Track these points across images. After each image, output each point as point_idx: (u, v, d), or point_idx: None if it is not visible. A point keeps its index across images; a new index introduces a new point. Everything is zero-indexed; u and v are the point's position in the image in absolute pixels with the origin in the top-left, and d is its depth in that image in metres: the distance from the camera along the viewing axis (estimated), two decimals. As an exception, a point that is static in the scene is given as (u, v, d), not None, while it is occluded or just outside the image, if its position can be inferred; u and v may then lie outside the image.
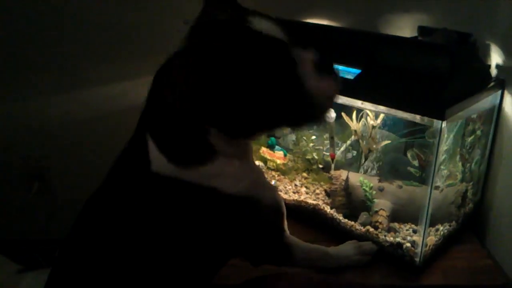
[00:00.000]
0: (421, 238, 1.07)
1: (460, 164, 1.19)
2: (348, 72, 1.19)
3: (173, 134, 0.75)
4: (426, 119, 1.00)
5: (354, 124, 1.26)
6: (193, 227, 0.77)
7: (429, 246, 1.12)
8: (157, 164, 0.75)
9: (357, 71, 1.14)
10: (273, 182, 1.39)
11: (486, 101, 1.15)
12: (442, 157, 1.08)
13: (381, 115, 1.17)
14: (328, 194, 1.30)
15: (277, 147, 1.44)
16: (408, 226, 1.17)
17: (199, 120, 0.73)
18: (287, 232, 1.00)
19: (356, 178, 1.24)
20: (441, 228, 1.17)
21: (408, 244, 1.11)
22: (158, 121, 0.76)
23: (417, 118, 1.02)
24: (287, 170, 1.42)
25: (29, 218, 1.70)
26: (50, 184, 1.67)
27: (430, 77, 1.05)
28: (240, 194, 0.79)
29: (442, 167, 1.10)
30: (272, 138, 1.44)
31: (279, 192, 1.34)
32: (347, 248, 1.12)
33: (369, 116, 1.20)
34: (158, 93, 0.76)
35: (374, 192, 1.20)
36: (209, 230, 0.79)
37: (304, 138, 1.41)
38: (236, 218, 0.80)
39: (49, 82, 1.58)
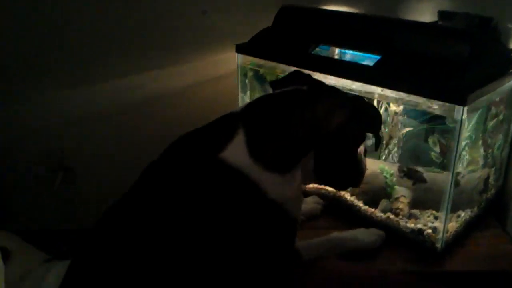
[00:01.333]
0: (443, 224, 1.07)
1: (482, 149, 1.18)
2: (367, 58, 1.19)
3: (276, 142, 0.83)
4: (446, 106, 0.99)
5: (374, 111, 1.25)
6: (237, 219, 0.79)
7: (450, 232, 1.12)
8: (234, 155, 0.79)
9: (376, 57, 1.13)
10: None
11: (508, 86, 1.14)
12: (463, 143, 1.07)
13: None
14: (348, 181, 1.30)
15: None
16: (429, 213, 1.17)
17: (309, 147, 0.86)
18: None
19: (376, 165, 1.23)
20: (463, 214, 1.16)
21: (429, 230, 1.11)
22: (264, 126, 0.83)
23: (436, 107, 1.02)
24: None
25: (54, 209, 1.73)
26: (73, 175, 1.70)
27: (450, 63, 1.04)
28: (283, 205, 0.83)
29: (463, 153, 1.10)
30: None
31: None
32: (361, 231, 1.12)
33: (391, 102, 1.19)
34: (274, 110, 0.86)
35: (394, 179, 1.20)
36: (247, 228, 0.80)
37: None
38: (267, 224, 0.82)
39: (70, 75, 1.61)
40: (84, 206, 1.71)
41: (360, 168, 1.00)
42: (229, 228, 0.78)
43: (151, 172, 0.85)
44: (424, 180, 1.18)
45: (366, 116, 0.93)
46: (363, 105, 0.95)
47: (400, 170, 1.21)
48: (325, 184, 1.19)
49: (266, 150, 0.81)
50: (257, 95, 1.47)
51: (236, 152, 0.80)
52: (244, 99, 1.44)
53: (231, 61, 1.39)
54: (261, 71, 1.38)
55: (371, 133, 1.00)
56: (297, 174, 0.86)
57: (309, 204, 1.23)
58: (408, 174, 1.19)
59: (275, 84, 1.01)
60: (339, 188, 1.15)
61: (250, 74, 1.42)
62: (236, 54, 1.35)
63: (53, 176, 1.67)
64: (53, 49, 1.57)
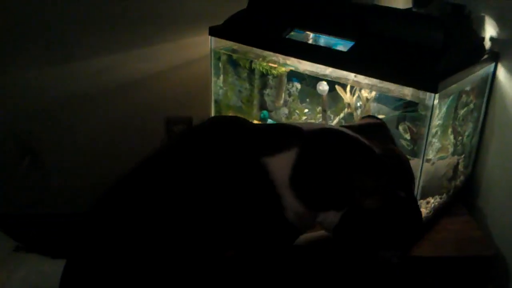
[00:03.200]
0: (412, 210, 1.08)
1: (452, 137, 1.20)
2: (341, 44, 1.19)
3: (317, 183, 0.82)
4: (418, 92, 1.00)
5: (347, 97, 1.25)
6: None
7: (420, 218, 1.13)
8: (277, 165, 0.80)
9: (350, 43, 1.13)
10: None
11: (480, 74, 1.15)
12: (434, 130, 1.08)
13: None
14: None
15: (269, 120, 1.43)
16: (399, 199, 1.18)
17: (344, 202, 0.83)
18: None
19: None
20: (432, 200, 1.18)
21: (399, 216, 1.12)
22: (316, 162, 0.82)
23: (408, 93, 1.02)
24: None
25: (21, 193, 1.70)
26: (41, 158, 1.67)
27: (423, 50, 1.04)
28: (291, 221, 0.82)
29: (434, 140, 1.11)
30: (265, 112, 1.44)
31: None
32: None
33: (363, 89, 1.19)
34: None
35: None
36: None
37: (297, 111, 1.41)
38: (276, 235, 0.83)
39: (39, 57, 1.56)
40: (53, 190, 1.68)
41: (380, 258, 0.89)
42: (240, 219, 0.79)
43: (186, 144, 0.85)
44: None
45: (398, 221, 0.84)
46: (405, 210, 0.85)
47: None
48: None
49: (304, 181, 0.81)
50: (230, 79, 1.45)
51: (280, 165, 0.80)
52: (217, 83, 1.43)
53: (204, 44, 1.37)
54: (234, 56, 1.36)
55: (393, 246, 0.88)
56: (320, 216, 0.85)
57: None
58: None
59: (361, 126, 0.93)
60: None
61: (223, 57, 1.41)
62: (209, 37, 1.33)
63: (20, 160, 1.63)
64: (21, 29, 1.53)
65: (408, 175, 0.88)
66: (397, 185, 0.82)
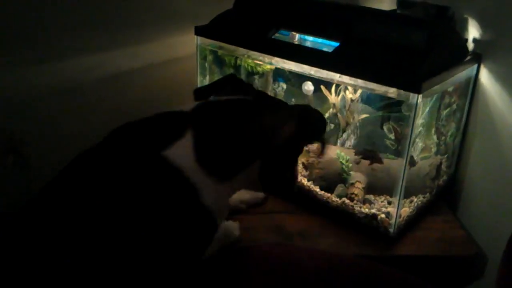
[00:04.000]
0: (396, 209, 1.09)
1: (435, 137, 1.21)
2: (326, 45, 1.19)
3: (223, 152, 0.84)
4: (402, 92, 1.01)
5: (332, 97, 1.26)
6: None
7: (403, 217, 1.14)
8: (179, 154, 0.79)
9: (335, 44, 1.14)
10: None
11: (462, 75, 1.16)
12: (417, 130, 1.09)
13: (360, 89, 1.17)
14: (305, 166, 1.31)
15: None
16: (383, 198, 1.19)
17: (255, 157, 0.88)
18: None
19: (333, 151, 1.25)
20: (415, 199, 1.19)
21: (383, 215, 1.13)
22: (213, 134, 0.83)
23: (392, 93, 1.03)
24: (266, 143, 1.42)
25: (4, 192, 1.68)
26: (25, 157, 1.65)
27: (408, 51, 1.05)
28: (213, 213, 0.82)
29: (417, 140, 1.12)
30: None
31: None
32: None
33: (348, 89, 1.20)
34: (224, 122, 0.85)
35: (350, 164, 1.21)
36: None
37: (283, 111, 1.41)
38: (193, 226, 0.81)
39: (22, 53, 1.54)
40: (37, 190, 1.66)
41: (296, 173, 1.01)
42: (156, 222, 0.76)
43: (88, 159, 0.85)
44: (380, 160, 1.19)
45: (312, 127, 0.95)
46: (309, 116, 0.96)
47: (357, 152, 1.22)
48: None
49: (212, 157, 0.82)
50: (216, 78, 1.45)
51: (182, 152, 0.79)
52: (203, 82, 1.43)
53: (190, 43, 1.37)
54: (219, 53, 1.36)
55: (316, 141, 1.03)
56: (236, 181, 0.87)
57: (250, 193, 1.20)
58: (365, 154, 1.21)
59: (212, 87, 0.99)
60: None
61: (209, 57, 1.41)
62: (195, 36, 1.33)
63: (3, 159, 1.61)
64: (5, 26, 1.51)
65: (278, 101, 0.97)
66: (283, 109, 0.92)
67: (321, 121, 1.00)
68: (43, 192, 0.84)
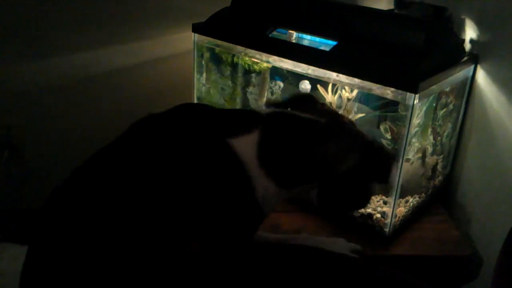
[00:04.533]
0: (391, 209, 1.09)
1: (431, 137, 1.21)
2: (324, 43, 1.19)
3: (283, 163, 0.86)
4: (399, 92, 1.01)
5: (329, 96, 1.26)
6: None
7: (399, 217, 1.14)
8: (243, 146, 0.82)
9: (333, 43, 1.14)
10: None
11: (459, 76, 1.16)
12: (414, 130, 1.09)
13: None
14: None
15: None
16: (379, 198, 1.19)
17: (314, 178, 0.88)
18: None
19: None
20: (411, 199, 1.19)
21: (378, 215, 1.13)
22: (279, 143, 0.85)
23: (389, 93, 1.03)
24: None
25: (0, 188, 1.67)
26: (20, 153, 1.64)
27: (405, 50, 1.05)
28: (263, 205, 0.86)
29: (413, 140, 1.12)
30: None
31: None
32: (340, 244, 1.07)
33: (345, 88, 1.20)
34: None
35: (347, 164, 1.21)
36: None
37: (279, 109, 1.41)
38: (242, 215, 0.84)
39: (18, 49, 1.54)
40: (34, 186, 1.66)
41: (367, 197, 0.96)
42: (209, 204, 0.78)
43: (151, 130, 0.84)
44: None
45: (377, 164, 0.92)
46: (376, 152, 0.92)
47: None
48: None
49: (273, 161, 0.84)
50: (213, 76, 1.45)
51: (246, 144, 0.82)
52: (200, 80, 1.42)
53: (187, 40, 1.36)
54: (217, 50, 1.36)
55: (379, 181, 0.96)
56: (293, 192, 0.89)
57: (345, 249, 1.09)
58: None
59: (288, 103, 0.98)
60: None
61: (206, 55, 1.40)
62: (193, 33, 1.33)
63: (-2, 154, 1.61)
64: (1, 23, 1.50)
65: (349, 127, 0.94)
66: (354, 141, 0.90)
67: (387, 160, 0.96)
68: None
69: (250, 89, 1.47)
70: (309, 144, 0.86)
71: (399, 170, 1.06)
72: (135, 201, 0.75)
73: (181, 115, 0.87)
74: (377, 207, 1.16)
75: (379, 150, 0.93)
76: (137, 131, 0.85)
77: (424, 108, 1.12)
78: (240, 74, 1.44)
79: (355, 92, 1.20)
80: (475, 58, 1.20)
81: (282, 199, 0.91)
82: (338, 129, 0.90)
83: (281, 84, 1.41)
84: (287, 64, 1.19)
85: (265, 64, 1.33)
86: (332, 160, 0.86)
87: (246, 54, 1.29)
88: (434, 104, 1.16)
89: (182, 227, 0.76)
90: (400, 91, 1.01)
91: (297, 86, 1.30)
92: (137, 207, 0.74)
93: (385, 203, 1.17)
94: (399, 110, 1.09)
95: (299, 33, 1.27)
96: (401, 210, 1.15)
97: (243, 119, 0.87)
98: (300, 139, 0.86)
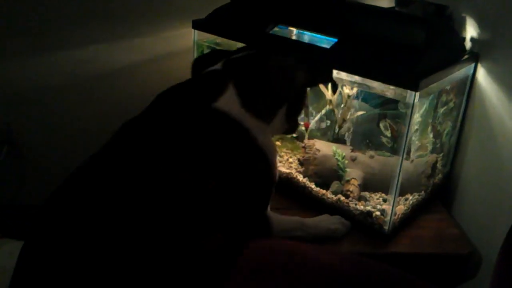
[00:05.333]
0: (391, 207, 1.09)
1: (431, 135, 1.21)
2: (324, 41, 1.19)
3: (262, 96, 0.96)
4: (399, 90, 1.01)
5: (329, 93, 1.26)
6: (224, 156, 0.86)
7: (398, 215, 1.14)
8: (227, 104, 0.89)
9: (333, 40, 1.13)
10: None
11: (460, 74, 1.16)
12: (414, 128, 1.09)
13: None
14: (301, 163, 1.31)
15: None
16: (378, 195, 1.19)
17: (285, 100, 1.00)
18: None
19: (329, 148, 1.24)
20: (410, 197, 1.19)
21: (378, 213, 1.13)
22: (253, 78, 0.95)
23: (389, 91, 1.03)
24: (262, 139, 1.42)
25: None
26: (19, 150, 1.64)
27: (405, 48, 1.05)
28: (267, 152, 0.94)
29: (413, 138, 1.12)
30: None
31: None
32: (324, 218, 1.13)
33: (345, 86, 1.20)
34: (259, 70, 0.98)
35: (346, 161, 1.21)
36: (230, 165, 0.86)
37: (279, 107, 1.41)
38: (255, 165, 0.91)
39: (17, 45, 1.53)
40: (33, 182, 1.66)
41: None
42: (224, 167, 0.84)
43: (143, 119, 0.89)
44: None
45: (320, 70, 1.07)
46: (317, 63, 1.08)
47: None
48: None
49: (255, 102, 0.92)
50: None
51: (229, 102, 0.89)
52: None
53: (187, 37, 1.36)
54: (218, 47, 1.35)
55: (327, 81, 1.13)
56: (275, 123, 0.99)
57: (334, 224, 1.13)
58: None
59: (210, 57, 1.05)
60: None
61: (206, 51, 1.40)
62: (193, 30, 1.32)
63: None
64: (2, 19, 1.50)
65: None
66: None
67: (325, 64, 1.08)
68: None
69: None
70: (270, 72, 0.98)
71: (399, 168, 1.06)
72: (150, 190, 0.77)
73: (166, 100, 0.93)
74: (376, 204, 1.16)
75: (316, 61, 1.08)
76: (129, 131, 0.88)
77: (425, 106, 1.12)
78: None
79: (355, 89, 1.20)
80: (475, 57, 1.20)
81: (271, 136, 1.01)
82: (275, 57, 1.02)
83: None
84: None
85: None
86: (293, 79, 1.00)
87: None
88: (435, 102, 1.16)
89: (201, 217, 0.79)
90: (400, 89, 1.01)
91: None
92: (153, 196, 0.77)
93: (384, 201, 1.17)
94: (399, 108, 1.09)
95: (299, 30, 1.27)
96: (401, 208, 1.15)
97: (210, 82, 0.93)
98: (261, 71, 0.97)
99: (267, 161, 0.93)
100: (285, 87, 0.99)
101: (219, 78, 0.93)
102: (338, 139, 1.28)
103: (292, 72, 1.01)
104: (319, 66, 1.07)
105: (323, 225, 1.11)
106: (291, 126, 1.06)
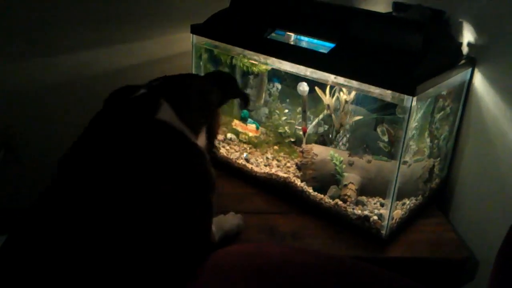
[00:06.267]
0: (388, 211, 1.10)
1: (428, 140, 1.22)
2: (322, 46, 1.19)
3: (192, 114, 1.02)
4: (397, 95, 1.01)
5: (327, 98, 1.26)
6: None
7: (395, 219, 1.14)
8: (166, 115, 0.96)
9: (331, 45, 1.14)
10: (244, 155, 1.39)
11: (456, 79, 1.17)
12: (411, 132, 1.10)
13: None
14: (299, 167, 1.31)
15: (249, 119, 1.44)
16: (375, 200, 1.20)
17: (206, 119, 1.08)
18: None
19: (326, 152, 1.25)
20: (408, 202, 1.19)
21: (375, 217, 1.13)
22: (181, 96, 1.02)
23: (386, 96, 1.04)
24: (259, 143, 1.42)
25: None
26: (17, 152, 1.64)
27: (402, 53, 1.05)
28: (202, 149, 1.01)
29: (410, 142, 1.12)
30: (245, 111, 1.44)
31: (251, 165, 1.35)
32: (222, 219, 1.14)
33: (343, 91, 1.20)
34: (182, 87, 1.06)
35: (344, 166, 1.22)
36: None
37: (277, 111, 1.42)
38: (195, 163, 0.97)
39: (16, 48, 1.54)
40: (29, 184, 1.65)
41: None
42: (179, 168, 0.92)
43: (95, 134, 0.95)
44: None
45: (229, 83, 1.16)
46: (222, 76, 1.17)
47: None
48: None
49: (185, 115, 0.99)
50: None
51: (167, 114, 0.96)
52: (198, 81, 1.42)
53: (186, 41, 1.36)
54: (216, 52, 1.36)
55: (236, 97, 1.23)
56: (200, 139, 1.04)
57: (236, 219, 1.17)
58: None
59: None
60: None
61: (204, 56, 1.40)
62: (191, 34, 1.33)
63: (-5, 154, 1.60)
64: (1, 22, 1.50)
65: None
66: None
67: (232, 83, 1.17)
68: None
69: (248, 90, 1.47)
70: (190, 94, 1.05)
71: (396, 173, 1.06)
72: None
73: (111, 118, 0.99)
74: (374, 209, 1.16)
75: (219, 73, 1.18)
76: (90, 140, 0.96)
77: (422, 111, 1.12)
78: (238, 76, 1.44)
79: (352, 94, 1.21)
80: (472, 62, 1.20)
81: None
82: (193, 80, 1.12)
83: (279, 86, 1.41)
84: (285, 66, 1.19)
85: (263, 66, 1.34)
86: (211, 101, 1.09)
87: (244, 56, 1.29)
88: (432, 107, 1.17)
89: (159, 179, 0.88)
90: (397, 94, 1.01)
91: (295, 88, 1.30)
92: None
93: (382, 205, 1.17)
94: (396, 112, 1.09)
95: (297, 35, 1.28)
96: (398, 212, 1.15)
97: (144, 100, 0.99)
98: (184, 92, 1.04)
99: (209, 163, 1.00)
100: (203, 105, 1.07)
101: (151, 96, 0.99)
102: (324, 142, 1.30)
103: (208, 91, 1.10)
104: (226, 83, 1.15)
105: (232, 222, 1.14)
106: (208, 146, 1.12)
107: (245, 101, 1.21)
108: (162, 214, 0.84)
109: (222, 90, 1.12)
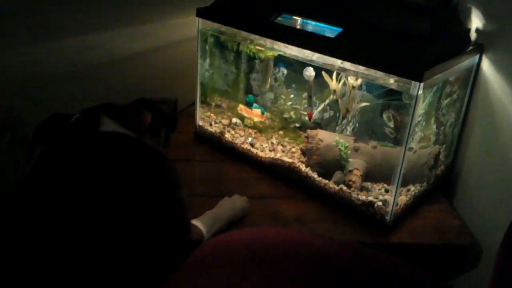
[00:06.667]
0: (393, 198, 1.10)
1: (434, 126, 1.21)
2: (329, 30, 1.19)
3: (128, 116, 1.07)
4: (403, 81, 1.01)
5: (333, 83, 1.26)
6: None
7: (400, 205, 1.14)
8: (109, 126, 0.99)
9: (338, 29, 1.13)
10: (249, 140, 1.39)
11: (464, 65, 1.16)
12: (417, 119, 1.09)
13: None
14: (303, 152, 1.31)
15: (255, 104, 1.43)
16: (380, 186, 1.20)
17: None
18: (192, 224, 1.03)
19: (332, 138, 1.24)
20: (412, 188, 1.19)
21: (380, 203, 1.13)
22: (116, 110, 1.06)
23: (393, 82, 1.03)
24: (264, 128, 1.42)
25: (2, 170, 1.67)
26: (22, 135, 1.64)
27: (410, 38, 1.04)
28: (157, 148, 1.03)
29: (416, 129, 1.12)
30: (250, 96, 1.43)
31: (256, 150, 1.35)
32: (228, 202, 1.14)
33: (350, 76, 1.20)
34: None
35: (349, 151, 1.21)
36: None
37: (283, 96, 1.41)
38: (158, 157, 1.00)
39: (21, 31, 1.53)
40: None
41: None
42: (144, 170, 0.94)
43: (55, 152, 0.97)
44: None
45: (164, 119, 1.22)
46: (161, 113, 1.21)
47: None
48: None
49: (128, 124, 1.03)
50: (217, 62, 1.45)
51: (110, 125, 0.99)
52: (204, 65, 1.42)
53: (191, 25, 1.35)
54: (222, 38, 1.35)
55: (170, 130, 1.29)
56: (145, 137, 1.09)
57: (240, 202, 1.17)
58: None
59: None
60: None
61: (210, 40, 1.40)
62: (197, 18, 1.32)
63: (1, 137, 1.60)
64: (7, 6, 1.49)
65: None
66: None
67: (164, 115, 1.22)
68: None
69: (254, 75, 1.46)
70: (127, 108, 1.10)
71: (401, 159, 1.06)
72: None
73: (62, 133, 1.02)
74: (378, 195, 1.16)
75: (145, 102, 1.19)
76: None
77: (429, 97, 1.12)
78: (243, 60, 1.43)
79: (359, 80, 1.20)
80: (480, 48, 1.19)
81: None
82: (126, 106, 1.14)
83: (285, 71, 1.41)
84: (291, 50, 1.18)
85: (270, 53, 1.33)
86: (142, 121, 1.14)
87: (251, 42, 1.28)
88: (439, 93, 1.16)
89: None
90: (404, 80, 1.01)
91: (301, 73, 1.30)
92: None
93: (386, 191, 1.17)
94: (403, 98, 1.09)
95: (303, 19, 1.27)
96: (402, 198, 1.15)
97: (84, 120, 1.01)
98: (121, 107, 1.08)
99: (170, 161, 1.01)
100: (137, 115, 1.12)
101: (89, 116, 1.01)
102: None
103: (139, 113, 1.14)
104: (163, 116, 1.21)
105: (236, 207, 1.13)
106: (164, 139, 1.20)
107: (168, 125, 1.26)
108: (127, 220, 0.84)
109: (155, 117, 1.16)
